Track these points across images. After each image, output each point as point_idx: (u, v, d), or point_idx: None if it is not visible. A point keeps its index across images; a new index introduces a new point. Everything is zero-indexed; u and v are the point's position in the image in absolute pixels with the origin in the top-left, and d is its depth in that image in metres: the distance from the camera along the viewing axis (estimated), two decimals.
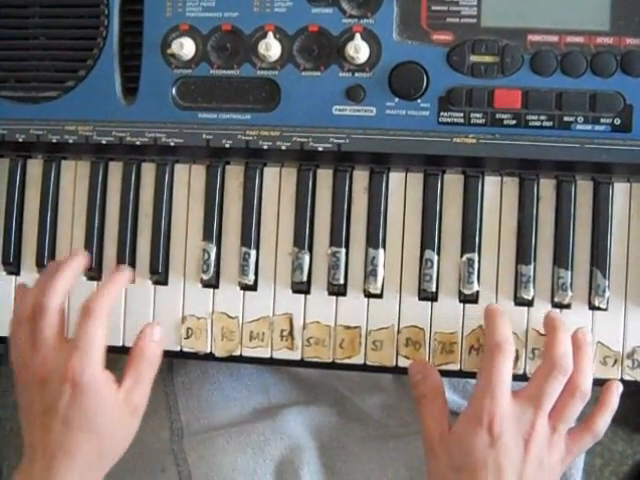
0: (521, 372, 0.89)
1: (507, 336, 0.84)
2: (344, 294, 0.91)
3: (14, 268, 0.95)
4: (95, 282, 0.94)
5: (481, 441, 0.81)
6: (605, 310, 0.88)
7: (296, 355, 0.91)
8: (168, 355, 0.92)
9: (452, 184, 0.90)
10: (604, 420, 0.86)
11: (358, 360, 0.91)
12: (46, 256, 0.94)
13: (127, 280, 0.91)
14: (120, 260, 0.93)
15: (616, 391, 0.86)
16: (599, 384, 0.89)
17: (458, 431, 0.83)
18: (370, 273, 0.90)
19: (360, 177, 0.91)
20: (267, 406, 1.01)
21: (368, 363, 0.90)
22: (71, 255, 0.91)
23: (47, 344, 0.85)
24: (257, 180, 0.91)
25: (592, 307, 0.88)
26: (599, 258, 0.88)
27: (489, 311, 0.87)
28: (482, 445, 0.81)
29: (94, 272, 0.94)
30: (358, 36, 0.87)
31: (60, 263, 0.89)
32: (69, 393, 0.83)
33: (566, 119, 0.86)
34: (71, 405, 0.83)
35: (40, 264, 0.94)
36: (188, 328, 0.93)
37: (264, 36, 0.88)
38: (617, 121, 0.85)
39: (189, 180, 0.93)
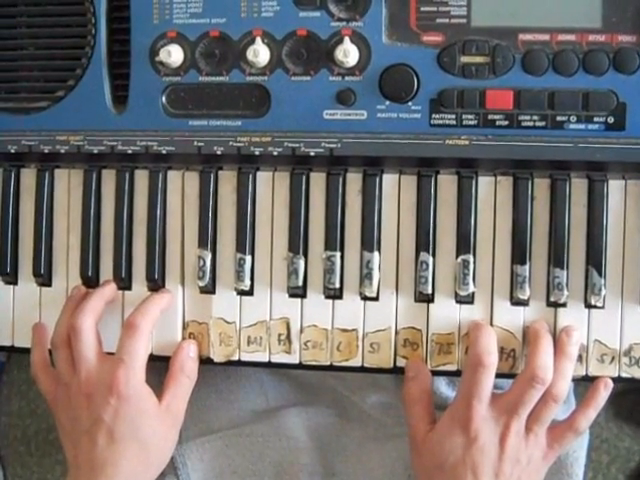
0: (519, 371, 0.88)
1: (489, 349, 0.85)
2: (340, 297, 0.91)
3: (12, 278, 0.96)
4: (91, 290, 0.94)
5: (459, 442, 0.85)
6: (601, 308, 0.88)
7: (294, 359, 0.92)
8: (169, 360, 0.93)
9: (446, 185, 0.89)
10: (587, 418, 0.87)
11: (356, 362, 0.91)
12: (43, 265, 0.94)
13: (169, 300, 0.93)
14: (116, 268, 0.93)
15: (604, 390, 0.87)
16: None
17: (439, 432, 0.86)
18: (365, 276, 0.90)
19: (353, 180, 0.91)
20: (265, 408, 1.01)
21: (366, 365, 0.91)
22: (102, 283, 0.94)
23: (88, 362, 0.89)
24: (250, 185, 0.91)
25: (588, 305, 0.88)
26: (594, 256, 0.87)
27: (474, 324, 0.88)
28: (460, 446, 0.85)
29: (91, 280, 0.94)
30: (347, 39, 0.86)
31: (82, 288, 0.94)
32: (114, 404, 0.87)
33: (559, 119, 0.85)
34: (116, 416, 0.87)
35: (37, 274, 0.94)
36: (190, 333, 0.94)
37: (252, 42, 0.87)
38: (610, 119, 0.85)
39: (182, 186, 0.93)
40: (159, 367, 0.93)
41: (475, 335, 0.86)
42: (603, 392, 0.87)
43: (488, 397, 0.85)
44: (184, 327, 0.94)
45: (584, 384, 0.90)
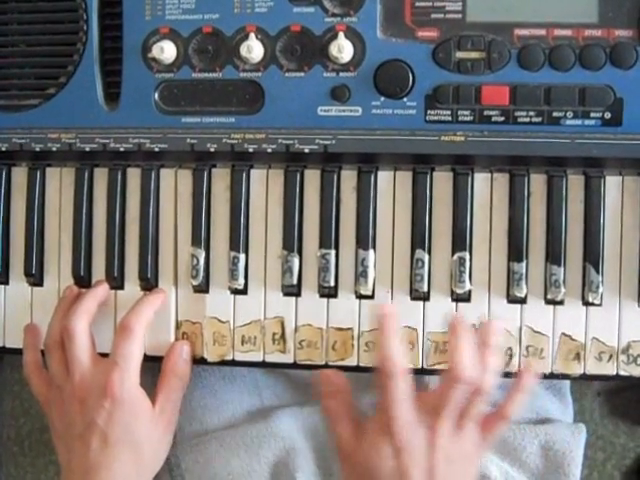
0: (515, 370, 0.88)
1: (391, 354, 0.82)
2: (335, 296, 0.90)
3: (2, 278, 0.95)
4: (84, 290, 0.93)
5: (388, 451, 0.82)
6: (599, 306, 0.87)
7: (288, 358, 0.91)
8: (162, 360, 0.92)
9: (441, 182, 0.89)
10: (515, 405, 0.85)
11: (351, 362, 0.90)
12: (34, 264, 0.93)
13: (162, 301, 0.92)
14: (109, 267, 0.92)
15: (529, 376, 0.85)
16: (594, 379, 0.89)
17: (367, 443, 0.83)
18: (361, 274, 0.89)
19: (348, 177, 0.90)
20: (260, 408, 1.00)
21: (361, 364, 0.90)
22: (95, 284, 0.93)
23: (81, 365, 0.88)
24: (244, 183, 0.90)
25: (586, 303, 0.87)
26: (592, 253, 0.86)
27: (379, 318, 0.84)
28: (389, 455, 0.82)
29: (83, 280, 0.93)
30: (341, 35, 0.85)
31: (74, 288, 0.93)
32: (108, 408, 0.86)
33: (555, 114, 0.84)
34: (110, 419, 0.86)
35: (28, 273, 0.93)
36: (183, 333, 0.93)
37: (246, 38, 0.86)
38: (607, 115, 0.84)
39: (175, 185, 0.92)
40: (152, 367, 0.92)
41: (381, 336, 0.83)
42: (530, 377, 0.85)
43: (407, 401, 0.82)
44: (177, 327, 0.93)
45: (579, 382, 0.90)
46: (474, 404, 0.82)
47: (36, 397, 0.92)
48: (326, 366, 0.90)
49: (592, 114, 0.84)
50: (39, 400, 0.92)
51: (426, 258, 0.88)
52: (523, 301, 0.88)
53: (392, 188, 0.89)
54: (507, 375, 0.88)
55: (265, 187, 0.91)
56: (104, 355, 0.90)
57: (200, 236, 0.91)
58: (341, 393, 0.87)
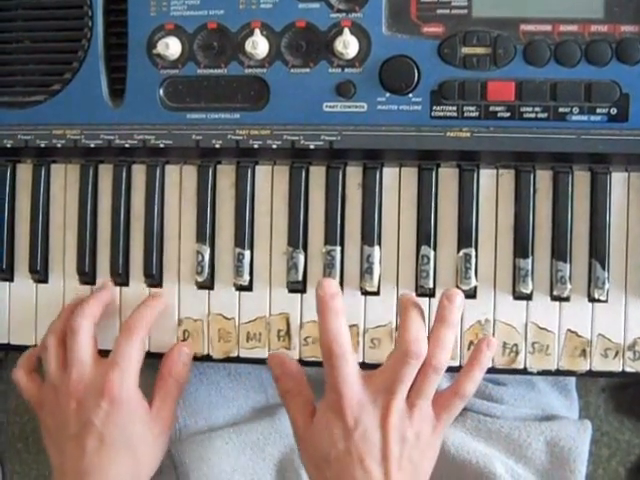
0: (521, 366, 0.88)
1: (337, 337, 0.81)
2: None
3: (7, 275, 0.95)
4: (89, 287, 0.93)
5: (339, 433, 0.81)
6: (605, 302, 0.87)
7: (294, 355, 0.90)
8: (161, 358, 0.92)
9: (447, 178, 0.89)
10: (473, 381, 0.83)
11: (356, 359, 0.90)
12: (39, 261, 0.93)
13: (164, 302, 0.92)
14: (113, 264, 0.92)
15: (487, 349, 0.83)
16: (600, 376, 0.88)
17: (318, 424, 0.83)
18: (366, 271, 0.89)
19: (353, 173, 0.90)
20: (265, 405, 1.00)
21: (366, 361, 0.90)
22: (100, 286, 0.93)
23: (81, 364, 0.87)
24: (249, 179, 0.90)
25: (592, 299, 0.87)
26: (598, 250, 0.86)
27: (319, 302, 0.83)
28: (340, 436, 0.81)
29: (88, 276, 0.93)
30: (347, 31, 0.85)
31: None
32: (106, 408, 0.85)
33: (561, 110, 0.84)
34: (107, 420, 0.85)
35: (33, 270, 0.93)
36: (185, 330, 0.92)
37: (251, 33, 0.86)
38: (613, 111, 0.84)
39: (180, 181, 0.92)
40: (151, 364, 0.91)
41: (322, 319, 0.82)
42: (486, 351, 0.83)
43: (356, 381, 0.81)
44: (179, 324, 0.92)
45: (585, 379, 0.90)
46: (426, 382, 0.81)
47: (27, 399, 0.91)
48: None
49: (598, 110, 0.84)
50: (30, 402, 0.91)
51: (431, 254, 0.88)
52: (529, 297, 0.88)
53: (397, 184, 0.89)
54: (512, 372, 0.88)
55: (270, 183, 0.91)
56: (106, 352, 0.89)
57: (205, 232, 0.91)
58: (293, 374, 0.86)
